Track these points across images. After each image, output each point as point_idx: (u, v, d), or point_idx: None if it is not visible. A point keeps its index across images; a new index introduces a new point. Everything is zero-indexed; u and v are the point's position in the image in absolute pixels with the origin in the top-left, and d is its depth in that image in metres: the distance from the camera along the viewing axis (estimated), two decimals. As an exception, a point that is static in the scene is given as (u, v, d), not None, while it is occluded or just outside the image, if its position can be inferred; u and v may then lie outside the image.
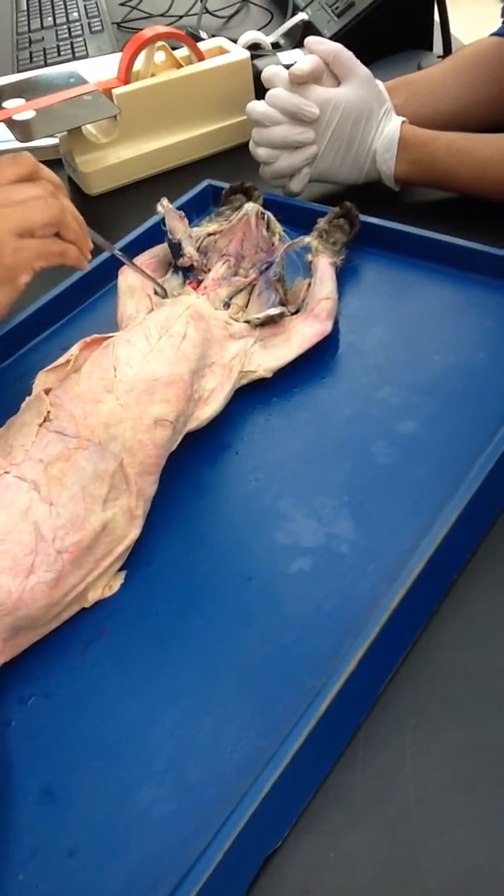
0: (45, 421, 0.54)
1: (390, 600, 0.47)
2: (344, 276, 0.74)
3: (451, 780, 0.44)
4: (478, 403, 0.62)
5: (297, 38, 1.12)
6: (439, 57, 1.11)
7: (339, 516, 0.56)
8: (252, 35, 1.11)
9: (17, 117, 0.90)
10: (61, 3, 1.48)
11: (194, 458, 0.61)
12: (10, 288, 0.57)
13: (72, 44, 1.33)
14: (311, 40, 0.82)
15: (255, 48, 1.09)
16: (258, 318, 0.67)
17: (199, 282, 0.70)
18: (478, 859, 0.41)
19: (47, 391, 0.57)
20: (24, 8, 1.51)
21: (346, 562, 0.53)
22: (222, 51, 1.02)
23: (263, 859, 0.42)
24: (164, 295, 0.70)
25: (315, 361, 0.67)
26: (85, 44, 1.32)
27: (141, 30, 0.96)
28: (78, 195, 0.98)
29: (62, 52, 1.31)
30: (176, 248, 0.70)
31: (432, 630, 0.50)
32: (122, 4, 1.44)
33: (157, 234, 0.75)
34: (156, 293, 0.70)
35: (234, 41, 1.06)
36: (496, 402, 0.62)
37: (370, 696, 0.47)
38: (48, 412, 0.55)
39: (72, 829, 0.44)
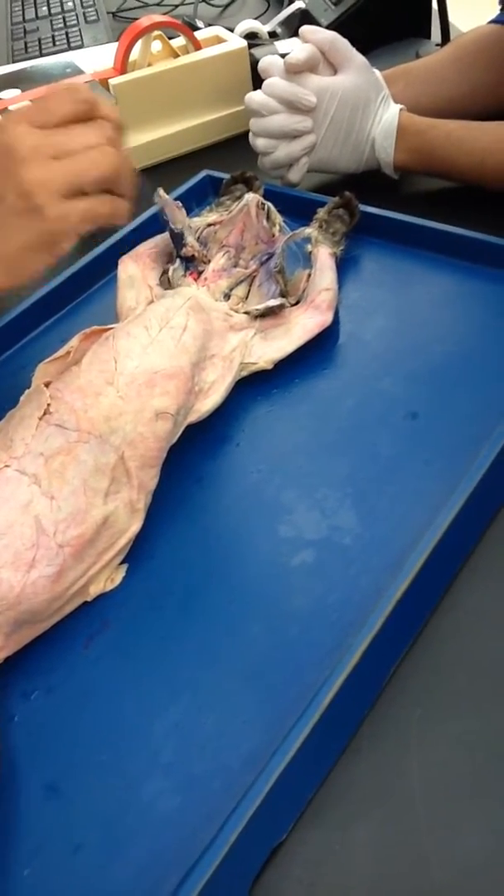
0: (45, 414, 0.54)
1: (394, 592, 0.47)
2: (344, 266, 0.74)
3: (456, 771, 0.44)
4: (480, 393, 0.62)
5: (294, 26, 1.11)
6: (437, 45, 1.10)
7: (342, 508, 0.56)
8: (249, 24, 1.10)
9: (12, 108, 0.89)
10: (56, -8, 1.47)
11: (196, 451, 0.61)
12: (49, 254, 0.51)
13: (67, 34, 1.32)
14: (305, 29, 0.81)
15: (251, 37, 1.08)
16: (258, 310, 0.67)
17: (200, 273, 0.70)
18: (484, 851, 0.41)
19: (47, 384, 0.56)
20: (19, -2, 1.50)
21: (350, 554, 0.53)
22: (219, 40, 1.01)
23: (269, 852, 0.42)
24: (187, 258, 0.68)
25: (316, 352, 0.67)
26: (80, 34, 1.31)
27: (137, 19, 0.95)
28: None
29: (57, 42, 1.30)
30: (178, 238, 0.70)
31: (436, 621, 0.50)
32: (118, -7, 1.43)
33: (156, 225, 0.75)
34: (181, 256, 0.68)
35: (231, 30, 1.06)
36: (498, 392, 0.61)
37: (374, 688, 0.47)
38: (48, 405, 0.54)
39: (77, 824, 0.44)
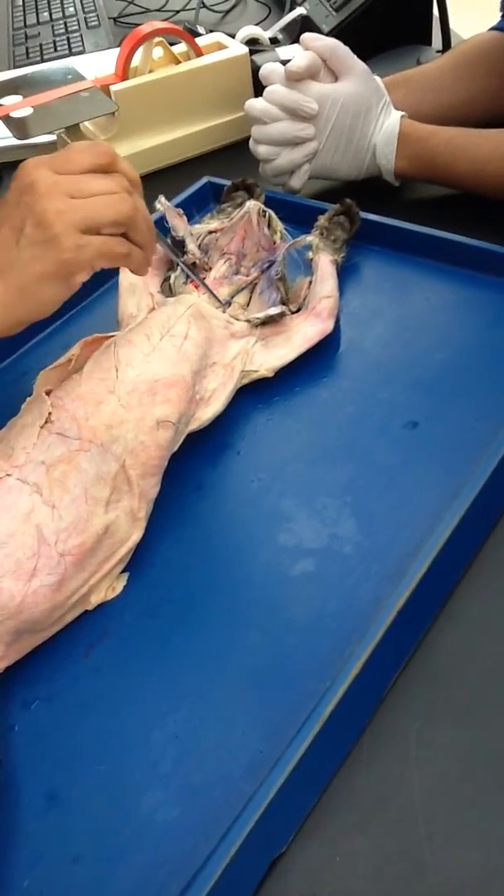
0: (46, 422, 0.54)
1: (394, 601, 0.47)
2: (345, 273, 0.74)
3: (456, 782, 0.44)
4: (480, 401, 0.62)
5: (295, 33, 1.11)
6: (438, 52, 1.10)
7: (342, 517, 0.56)
8: (250, 30, 1.10)
9: (14, 114, 0.89)
10: (57, -2, 1.47)
11: (196, 459, 0.61)
12: (65, 285, 0.53)
13: (68, 39, 1.32)
14: (306, 37, 0.81)
15: (252, 43, 1.08)
16: (259, 318, 0.67)
17: (203, 281, 0.70)
18: (483, 862, 0.41)
19: (48, 392, 0.56)
20: (20, 3, 1.50)
21: (350, 563, 0.53)
22: (220, 46, 1.01)
23: (269, 863, 0.42)
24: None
25: (316, 360, 0.67)
26: (82, 39, 1.31)
27: (138, 25, 0.95)
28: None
29: (59, 48, 1.30)
30: (179, 246, 0.70)
31: (436, 631, 0.50)
32: (119, -1, 1.43)
33: (159, 231, 0.75)
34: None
35: (232, 36, 1.06)
36: (499, 400, 0.61)
37: (374, 699, 0.47)
38: (49, 413, 0.54)
39: (76, 834, 0.44)
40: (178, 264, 0.69)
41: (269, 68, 0.81)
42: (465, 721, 0.46)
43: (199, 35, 1.06)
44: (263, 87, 0.81)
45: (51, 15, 1.43)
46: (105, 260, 0.53)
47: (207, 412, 0.61)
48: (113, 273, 0.72)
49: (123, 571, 0.55)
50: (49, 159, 0.53)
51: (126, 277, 0.70)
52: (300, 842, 0.43)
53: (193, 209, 0.84)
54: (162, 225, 0.72)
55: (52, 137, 0.99)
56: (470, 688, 0.48)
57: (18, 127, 0.88)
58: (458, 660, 0.49)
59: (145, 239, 0.56)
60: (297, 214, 0.76)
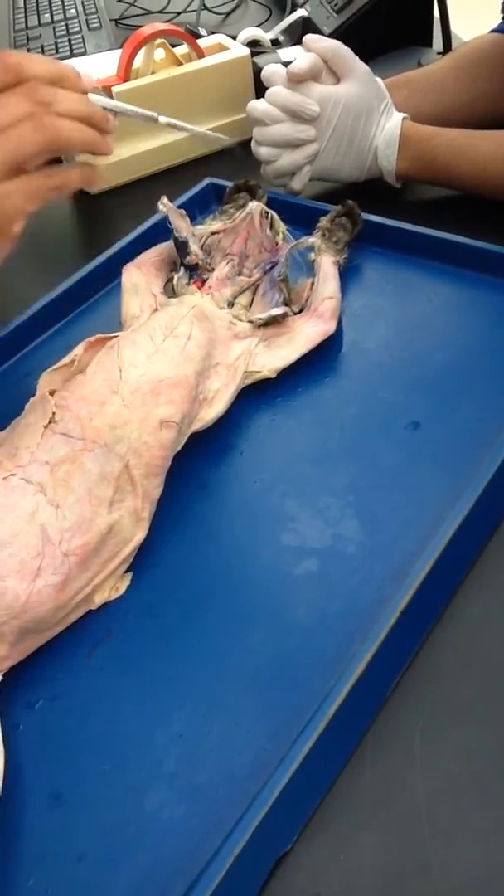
0: (50, 422, 0.54)
1: (398, 601, 0.47)
2: (347, 274, 0.74)
3: (461, 780, 0.44)
4: (482, 402, 0.62)
5: (296, 34, 1.12)
6: (439, 53, 1.11)
7: (346, 517, 0.56)
8: (251, 32, 1.10)
9: None
10: (59, -1, 1.48)
11: (200, 459, 0.61)
12: (2, 240, 0.48)
13: (70, 41, 1.32)
14: (309, 38, 0.82)
15: (254, 45, 1.08)
16: (262, 319, 0.67)
17: (204, 281, 0.70)
18: (488, 860, 0.41)
19: (52, 392, 0.57)
20: (21, 5, 1.50)
21: (353, 563, 0.53)
22: (222, 48, 1.02)
23: (273, 862, 0.42)
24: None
25: (319, 361, 0.67)
26: (83, 41, 1.31)
27: (139, 26, 0.95)
28: (78, 194, 0.98)
29: (60, 50, 1.30)
30: (183, 247, 0.70)
31: (440, 631, 0.50)
32: (120, 1, 1.43)
33: (159, 232, 0.75)
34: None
35: (233, 37, 1.06)
36: (501, 401, 0.61)
37: (378, 698, 0.47)
38: (53, 413, 0.55)
39: (81, 834, 0.44)
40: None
41: (271, 70, 0.81)
42: (468, 720, 0.46)
43: (200, 37, 1.07)
44: (265, 89, 0.81)
45: (52, 16, 1.43)
46: (38, 200, 0.48)
47: (210, 412, 0.61)
48: (116, 274, 0.72)
49: (127, 571, 0.55)
50: None
51: (129, 279, 0.70)
52: (304, 841, 0.43)
53: (196, 210, 0.84)
54: (164, 227, 0.72)
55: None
56: (473, 687, 0.48)
57: (21, 128, 0.88)
58: (461, 659, 0.49)
59: (85, 144, 0.48)
60: (299, 216, 0.76)
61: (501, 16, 0.94)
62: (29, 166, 0.47)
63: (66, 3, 1.45)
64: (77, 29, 1.36)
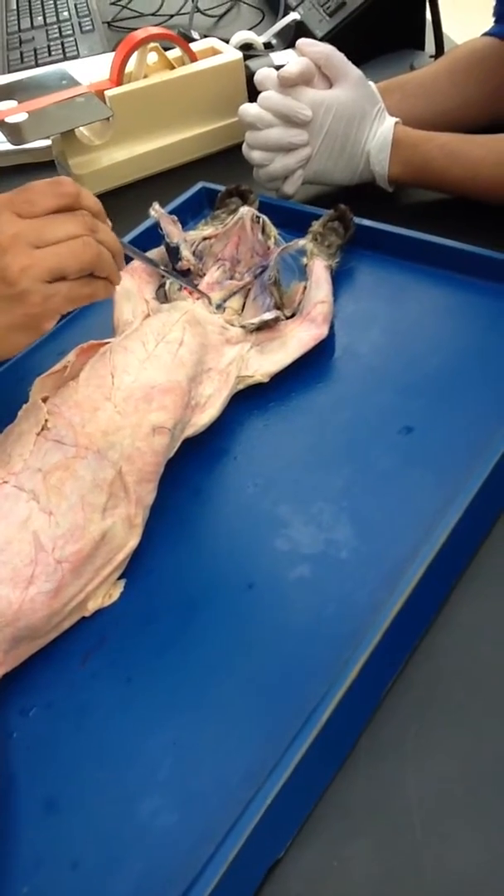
0: (42, 429, 0.54)
1: (391, 606, 0.47)
2: (339, 279, 0.74)
3: (453, 787, 0.44)
4: (475, 406, 0.62)
5: (289, 38, 1.12)
6: (432, 57, 1.11)
7: (339, 522, 0.56)
8: (244, 35, 1.10)
9: (8, 119, 0.90)
10: (51, 2, 1.47)
11: (193, 465, 0.61)
12: (33, 332, 0.53)
13: (62, 44, 1.32)
14: (302, 42, 0.82)
15: (246, 48, 1.08)
16: (253, 324, 0.67)
17: (195, 287, 0.70)
18: (480, 866, 0.42)
19: (45, 399, 0.57)
20: (14, 7, 1.50)
21: (347, 568, 0.53)
22: (214, 51, 1.02)
23: (267, 868, 0.42)
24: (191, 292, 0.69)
25: (312, 365, 0.67)
26: (76, 44, 1.31)
27: (132, 29, 0.95)
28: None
29: (53, 52, 1.30)
30: (174, 252, 0.70)
31: (433, 635, 0.50)
32: (113, 3, 1.43)
33: (152, 237, 0.75)
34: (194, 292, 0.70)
35: (226, 41, 1.06)
36: (493, 405, 0.62)
37: (371, 704, 0.48)
38: (46, 420, 0.55)
39: (75, 841, 0.44)
40: (163, 275, 0.69)
41: (264, 74, 0.81)
42: (461, 724, 0.46)
43: (193, 40, 1.07)
44: (258, 93, 0.81)
45: (45, 19, 1.43)
46: (72, 304, 0.54)
47: (203, 418, 0.61)
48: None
49: (120, 578, 0.55)
50: (9, 200, 0.52)
51: (121, 284, 0.70)
52: (298, 847, 0.43)
53: (188, 215, 0.84)
54: (156, 232, 0.72)
55: (47, 142, 0.99)
56: (466, 691, 0.48)
57: (13, 132, 0.89)
58: (454, 664, 0.49)
59: (110, 273, 0.56)
60: (291, 220, 0.77)
61: (494, 19, 0.94)
62: (70, 277, 0.53)
63: (58, 6, 1.45)
64: (70, 32, 1.36)
